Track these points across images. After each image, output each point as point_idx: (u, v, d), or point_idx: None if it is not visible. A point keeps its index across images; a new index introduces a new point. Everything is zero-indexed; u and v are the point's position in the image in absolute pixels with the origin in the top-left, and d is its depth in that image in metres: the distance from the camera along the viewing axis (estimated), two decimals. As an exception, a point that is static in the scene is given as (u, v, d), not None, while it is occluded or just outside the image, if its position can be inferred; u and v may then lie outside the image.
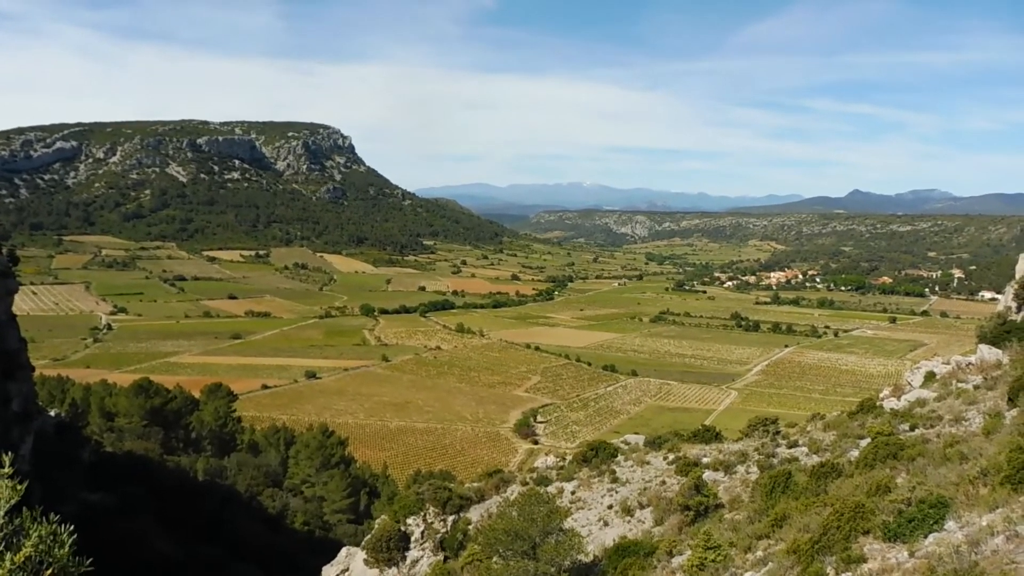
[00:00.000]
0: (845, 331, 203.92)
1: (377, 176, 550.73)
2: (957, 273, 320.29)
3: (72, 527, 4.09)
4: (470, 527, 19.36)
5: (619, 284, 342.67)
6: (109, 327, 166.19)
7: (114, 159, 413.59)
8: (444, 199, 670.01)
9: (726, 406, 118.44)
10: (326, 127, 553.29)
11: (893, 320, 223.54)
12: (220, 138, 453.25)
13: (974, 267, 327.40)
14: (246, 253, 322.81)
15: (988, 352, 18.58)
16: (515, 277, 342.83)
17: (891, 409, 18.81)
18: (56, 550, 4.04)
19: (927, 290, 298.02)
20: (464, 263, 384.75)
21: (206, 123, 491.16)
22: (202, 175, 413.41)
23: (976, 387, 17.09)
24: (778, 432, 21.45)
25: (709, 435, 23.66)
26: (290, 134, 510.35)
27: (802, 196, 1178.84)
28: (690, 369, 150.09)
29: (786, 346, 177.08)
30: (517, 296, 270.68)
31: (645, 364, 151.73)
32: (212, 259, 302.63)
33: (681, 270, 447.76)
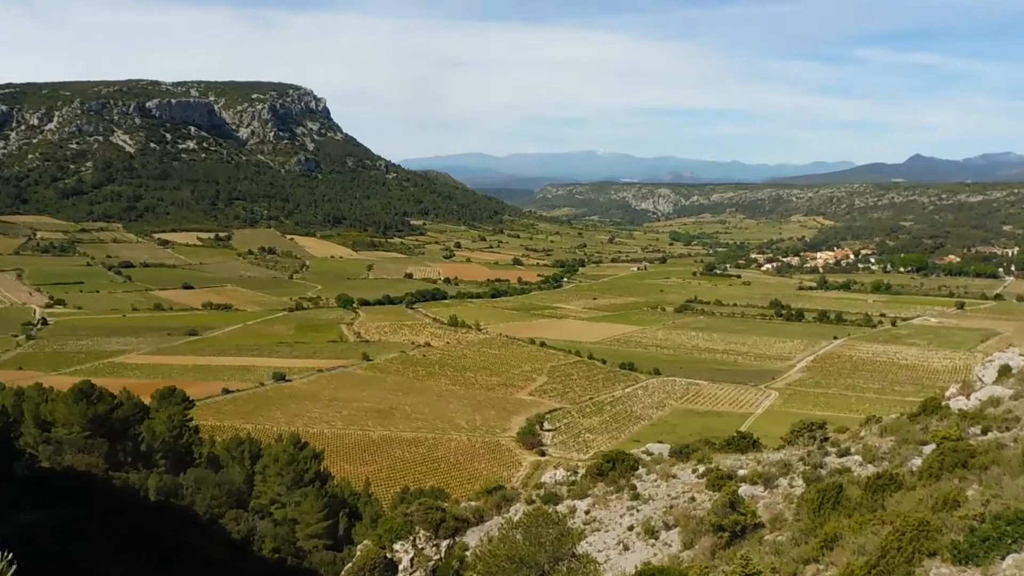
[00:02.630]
0: (904, 319, 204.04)
1: (356, 145, 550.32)
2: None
3: (10, 553, 4.04)
4: (467, 553, 19.37)
5: (639, 268, 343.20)
6: (44, 322, 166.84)
7: (50, 126, 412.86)
8: (434, 172, 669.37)
9: (765, 409, 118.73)
10: (296, 88, 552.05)
11: (961, 306, 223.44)
12: (173, 101, 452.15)
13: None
14: (204, 236, 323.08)
15: (1075, 342, 18.40)
16: (517, 262, 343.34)
17: (959, 410, 18.79)
18: (-8, 576, 3.00)
19: (1001, 270, 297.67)
20: (458, 246, 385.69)
21: (157, 84, 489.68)
22: (152, 144, 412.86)
23: (1061, 383, 17.06)
24: (826, 438, 21.38)
25: (745, 443, 23.62)
26: (255, 96, 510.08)
27: (853, 163, 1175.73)
28: (722, 366, 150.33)
29: (835, 338, 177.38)
30: (519, 284, 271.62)
31: (669, 361, 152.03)
32: (164, 243, 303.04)
33: (712, 251, 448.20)
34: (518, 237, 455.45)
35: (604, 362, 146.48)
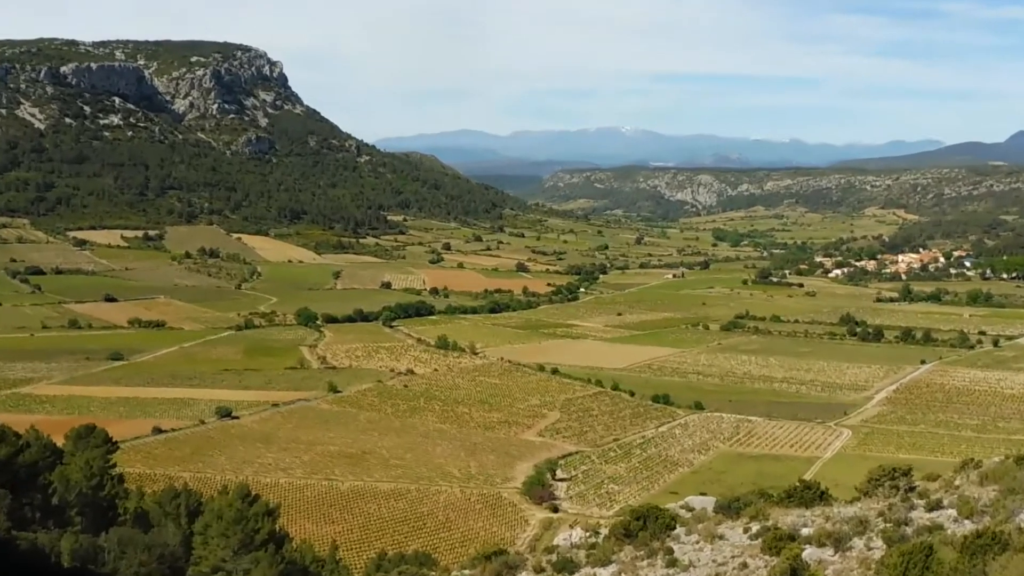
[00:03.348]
0: (1009, 338, 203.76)
1: (320, 121, 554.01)
2: None
3: None
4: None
5: (674, 276, 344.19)
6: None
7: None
8: (418, 154, 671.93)
9: (835, 451, 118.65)
10: (246, 49, 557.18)
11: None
12: (93, 66, 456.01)
13: None
14: (130, 234, 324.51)
15: None
16: (522, 267, 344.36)
17: (1080, 453, 18.81)
18: None
19: None
20: (447, 248, 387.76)
21: (73, 44, 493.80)
22: (67, 120, 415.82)
23: None
24: (912, 488, 21.34)
25: (811, 494, 23.61)
26: (194, 60, 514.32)
27: (942, 142, 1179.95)
28: (781, 398, 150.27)
29: (923, 362, 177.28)
30: (525, 295, 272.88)
31: (714, 392, 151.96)
32: (81, 243, 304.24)
33: (766, 254, 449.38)
34: (523, 236, 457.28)
35: (632, 394, 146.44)
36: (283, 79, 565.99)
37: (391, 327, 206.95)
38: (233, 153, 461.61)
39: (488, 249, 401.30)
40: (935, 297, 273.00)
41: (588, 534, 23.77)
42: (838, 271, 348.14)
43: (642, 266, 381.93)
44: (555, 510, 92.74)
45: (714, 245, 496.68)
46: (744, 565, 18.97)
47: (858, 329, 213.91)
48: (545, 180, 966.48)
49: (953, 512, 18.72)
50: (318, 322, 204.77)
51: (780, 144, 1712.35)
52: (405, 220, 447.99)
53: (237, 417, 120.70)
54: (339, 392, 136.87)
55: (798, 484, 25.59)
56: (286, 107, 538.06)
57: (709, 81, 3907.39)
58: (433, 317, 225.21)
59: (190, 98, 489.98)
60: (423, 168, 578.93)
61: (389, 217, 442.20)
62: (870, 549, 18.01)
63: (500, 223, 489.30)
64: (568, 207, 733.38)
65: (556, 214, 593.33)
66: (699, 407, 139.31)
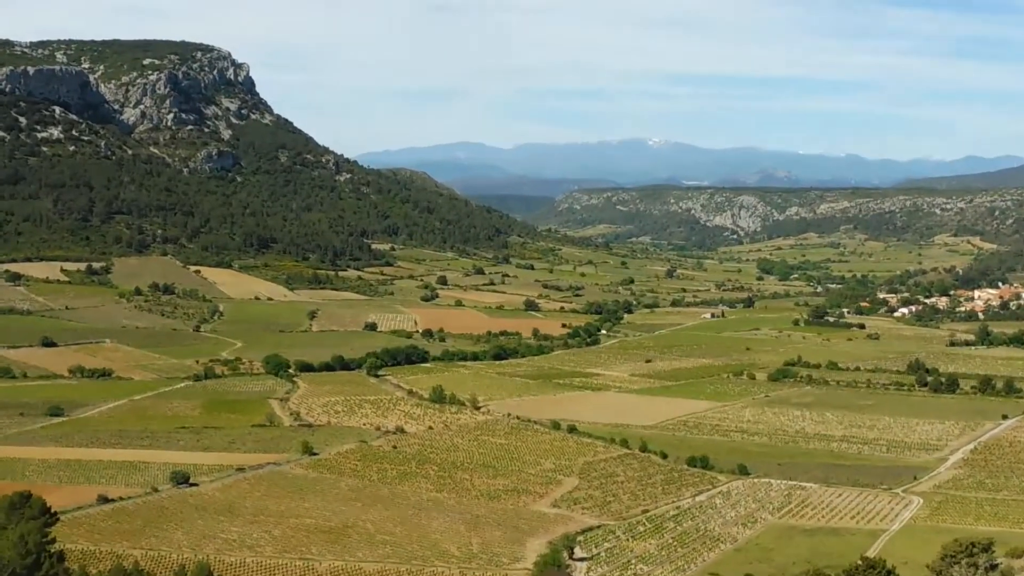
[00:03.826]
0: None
1: (293, 132, 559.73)
2: None
3: None
4: None
5: (713, 315, 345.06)
6: None
7: None
8: (408, 171, 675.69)
9: (904, 523, 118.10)
10: (207, 49, 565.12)
11: None
12: (30, 70, 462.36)
13: None
14: (72, 267, 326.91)
15: None
16: (531, 305, 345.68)
17: None
18: None
19: None
20: (443, 282, 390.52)
21: (8, 45, 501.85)
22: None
23: None
24: (994, 566, 21.62)
25: (876, 574, 23.87)
26: (147, 62, 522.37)
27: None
28: (840, 460, 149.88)
29: (1005, 417, 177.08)
30: (536, 338, 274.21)
31: (762, 454, 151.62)
32: (15, 277, 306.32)
33: (820, 288, 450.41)
34: (532, 268, 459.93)
35: (664, 456, 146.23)
36: (250, 83, 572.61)
37: (377, 376, 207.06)
38: (191, 171, 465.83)
39: (491, 283, 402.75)
40: (1018, 340, 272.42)
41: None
42: (904, 310, 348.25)
43: (674, 304, 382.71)
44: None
45: (759, 279, 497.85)
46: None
47: (929, 378, 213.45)
48: (558, 201, 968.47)
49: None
50: (290, 371, 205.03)
51: (835, 159, 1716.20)
52: (393, 249, 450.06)
53: (196, 484, 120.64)
54: (315, 454, 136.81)
55: (860, 563, 25.98)
56: (253, 116, 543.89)
57: (751, 84, 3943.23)
58: (427, 365, 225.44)
59: (142, 107, 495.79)
60: (414, 187, 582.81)
61: (374, 246, 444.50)
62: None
63: (505, 253, 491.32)
64: (586, 233, 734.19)
65: (571, 242, 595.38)
66: (743, 471, 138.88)
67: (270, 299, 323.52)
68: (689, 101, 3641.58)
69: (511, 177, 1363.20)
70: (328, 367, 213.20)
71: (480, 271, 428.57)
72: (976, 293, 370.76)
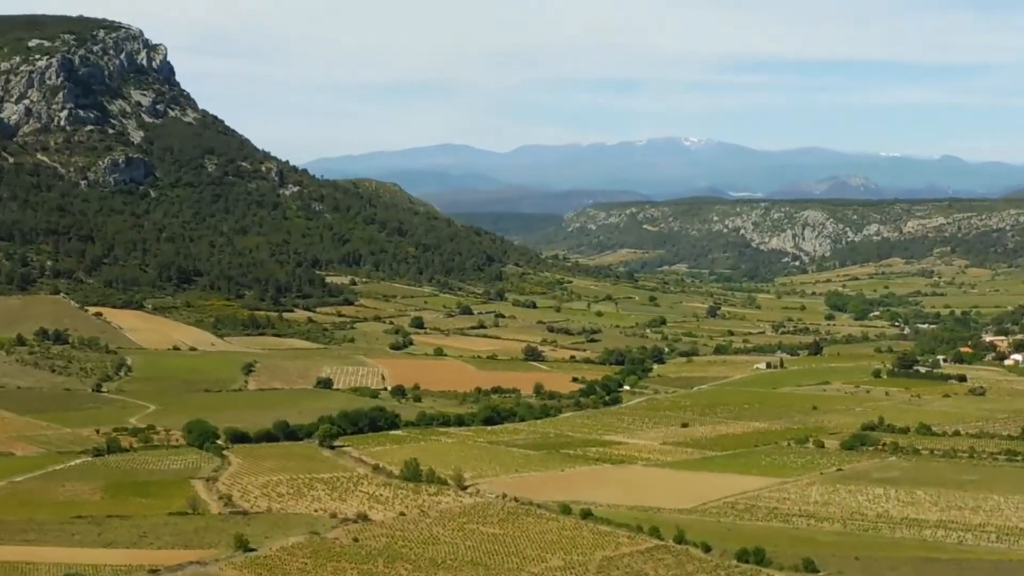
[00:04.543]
0: None
1: (225, 133, 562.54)
2: None
3: None
4: None
5: (769, 366, 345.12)
6: None
7: None
8: (373, 182, 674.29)
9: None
10: (113, 28, 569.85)
11: None
12: None
13: None
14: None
15: None
16: (534, 354, 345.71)
17: None
18: None
19: None
20: (420, 324, 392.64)
21: None
22: None
23: None
24: None
25: None
26: (34, 43, 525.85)
27: None
28: (936, 553, 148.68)
29: None
30: (539, 396, 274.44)
31: (834, 545, 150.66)
32: None
33: (908, 330, 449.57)
34: (533, 307, 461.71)
35: (707, 549, 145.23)
36: (168, 71, 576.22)
37: (333, 448, 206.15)
38: (91, 184, 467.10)
39: (481, 326, 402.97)
40: None
41: None
42: (1018, 356, 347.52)
43: (719, 351, 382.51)
44: None
45: (829, 318, 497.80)
46: None
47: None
48: (568, 219, 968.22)
49: None
50: (219, 442, 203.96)
51: (927, 163, 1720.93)
52: (354, 284, 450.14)
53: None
54: (253, 550, 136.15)
55: None
56: (172, 113, 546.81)
57: (816, 70, 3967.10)
58: (398, 432, 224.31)
59: (26, 102, 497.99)
60: (381, 203, 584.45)
61: (329, 279, 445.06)
62: None
63: (499, 287, 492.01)
64: (603, 261, 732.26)
65: (585, 272, 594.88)
66: (810, 568, 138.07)
67: (193, 349, 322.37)
68: (738, 91, 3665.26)
69: (507, 189, 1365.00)
70: (269, 436, 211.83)
71: (467, 311, 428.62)
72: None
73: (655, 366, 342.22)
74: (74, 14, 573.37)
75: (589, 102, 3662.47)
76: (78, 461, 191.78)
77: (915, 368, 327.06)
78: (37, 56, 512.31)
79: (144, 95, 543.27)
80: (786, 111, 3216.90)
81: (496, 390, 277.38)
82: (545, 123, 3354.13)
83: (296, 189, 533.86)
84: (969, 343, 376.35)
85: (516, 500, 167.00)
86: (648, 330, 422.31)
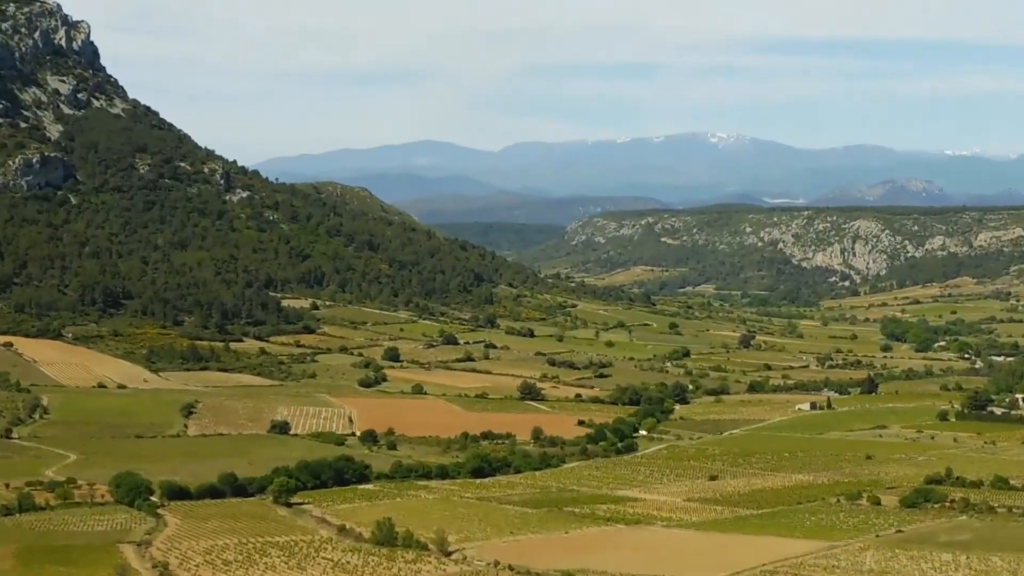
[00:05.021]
0: None
1: (160, 128, 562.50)
2: None
3: None
4: None
5: (813, 407, 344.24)
6: None
7: None
8: (339, 186, 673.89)
9: None
10: (26, 0, 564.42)
11: None
12: None
13: None
14: None
15: None
16: (531, 392, 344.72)
17: None
18: None
19: None
20: (395, 357, 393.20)
21: None
22: None
23: None
24: None
25: None
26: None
27: None
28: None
29: None
30: (538, 443, 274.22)
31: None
32: None
33: (980, 363, 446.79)
34: (531, 335, 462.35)
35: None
36: (92, 53, 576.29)
37: (290, 506, 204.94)
38: None
39: (469, 359, 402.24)
40: None
41: None
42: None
43: (753, 389, 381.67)
44: None
45: (885, 349, 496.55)
46: None
47: None
48: (571, 231, 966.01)
49: None
50: (154, 499, 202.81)
51: (1002, 163, 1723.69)
52: (316, 308, 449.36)
53: None
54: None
55: None
56: (97, 103, 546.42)
57: (869, 52, 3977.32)
58: (368, 486, 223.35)
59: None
60: (348, 211, 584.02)
61: (286, 302, 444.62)
62: None
63: (490, 311, 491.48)
64: (615, 280, 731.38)
65: (592, 294, 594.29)
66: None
67: (122, 387, 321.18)
68: (774, 77, 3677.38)
69: (499, 195, 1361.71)
70: (213, 492, 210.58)
71: (451, 340, 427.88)
72: None
73: (677, 407, 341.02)
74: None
75: (595, 91, 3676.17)
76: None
77: (989, 409, 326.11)
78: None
79: (63, 82, 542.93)
80: (832, 101, 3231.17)
81: (486, 435, 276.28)
82: (543, 117, 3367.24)
83: (245, 195, 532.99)
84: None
85: (511, 568, 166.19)
86: (668, 363, 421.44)
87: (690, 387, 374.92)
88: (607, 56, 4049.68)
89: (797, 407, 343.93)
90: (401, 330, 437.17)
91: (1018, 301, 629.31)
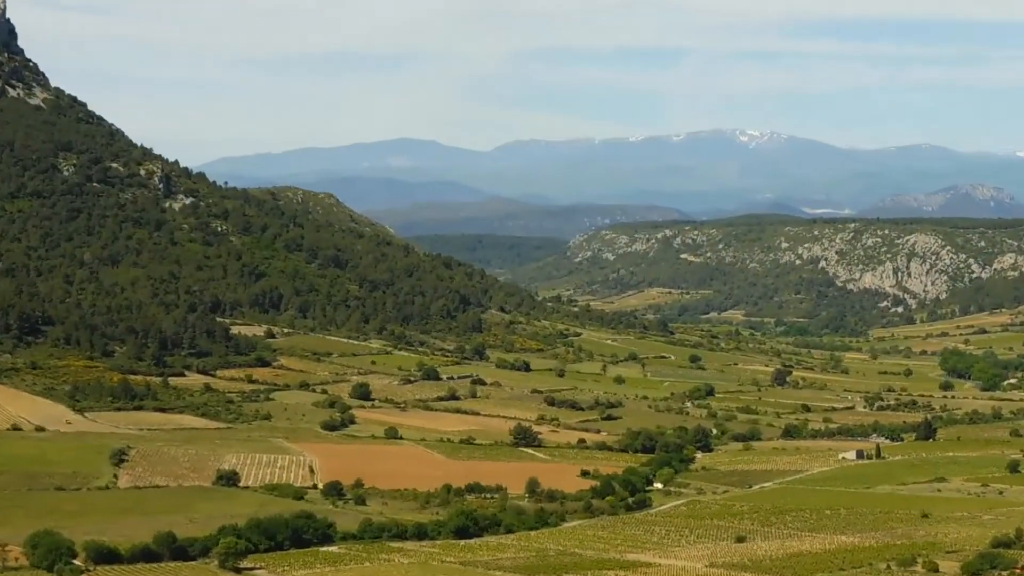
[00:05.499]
0: None
1: (88, 122, 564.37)
2: None
3: None
4: None
5: (860, 456, 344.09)
6: None
7: None
8: (300, 192, 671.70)
9: None
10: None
11: None
12: None
13: None
14: None
15: None
16: (525, 436, 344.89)
17: None
18: None
19: None
20: (366, 395, 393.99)
21: None
22: None
23: None
24: None
25: None
26: None
27: None
28: None
29: None
30: (535, 498, 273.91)
31: None
32: None
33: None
34: (526, 369, 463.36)
35: None
36: (7, 32, 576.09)
37: (238, 571, 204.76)
38: None
39: (453, 397, 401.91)
40: None
41: None
42: None
43: (789, 434, 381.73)
44: None
45: (946, 387, 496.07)
46: None
47: None
48: (575, 246, 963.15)
49: None
50: (77, 562, 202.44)
51: None
52: (271, 336, 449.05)
53: None
54: None
55: None
56: (13, 92, 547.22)
57: (925, 35, 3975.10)
58: (332, 548, 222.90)
59: None
60: (312, 222, 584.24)
61: (236, 329, 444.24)
62: None
63: (479, 340, 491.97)
64: (626, 303, 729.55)
65: (600, 320, 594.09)
66: None
67: (41, 429, 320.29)
68: (814, 64, 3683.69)
69: (491, 203, 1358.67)
70: (148, 555, 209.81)
71: (432, 375, 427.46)
72: None
73: (698, 455, 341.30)
74: None
75: (604, 81, 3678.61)
76: None
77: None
78: None
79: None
80: (883, 93, 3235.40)
81: (472, 488, 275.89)
82: (543, 110, 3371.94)
83: (189, 201, 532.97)
84: None
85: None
86: (689, 403, 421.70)
87: (714, 432, 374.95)
88: (619, 40, 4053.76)
89: (841, 456, 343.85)
90: (373, 363, 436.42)
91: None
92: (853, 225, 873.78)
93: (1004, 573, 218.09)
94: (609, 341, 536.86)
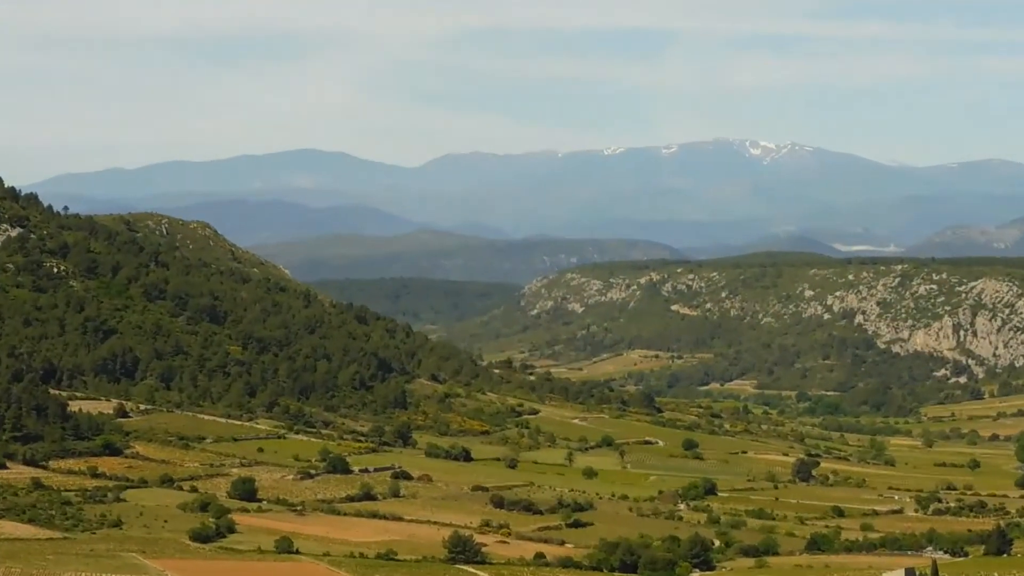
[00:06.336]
0: None
1: None
2: None
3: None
4: None
5: (912, 574, 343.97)
6: None
7: None
8: (166, 220, 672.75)
9: None
10: None
11: None
12: None
13: None
14: None
15: None
16: (464, 548, 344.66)
17: None
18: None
19: None
20: (250, 494, 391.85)
21: None
22: None
23: None
24: None
25: None
26: None
27: None
28: None
29: None
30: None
31: None
32: None
33: None
34: (467, 460, 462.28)
35: None
36: None
37: None
38: None
39: (369, 496, 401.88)
40: None
41: None
42: None
43: (815, 546, 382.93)
44: None
45: (1023, 485, 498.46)
46: None
47: None
48: (531, 292, 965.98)
49: None
50: None
51: None
52: (124, 413, 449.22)
53: None
54: None
55: None
56: None
57: (987, 15, 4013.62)
58: None
59: None
60: (179, 261, 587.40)
61: (77, 405, 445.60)
62: None
63: (404, 419, 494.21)
64: (599, 370, 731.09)
65: (564, 392, 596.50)
66: None
67: None
68: (845, 52, 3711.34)
69: (421, 235, 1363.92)
70: None
71: (341, 466, 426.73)
72: None
73: (695, 573, 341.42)
74: None
75: (569, 74, 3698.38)
76: None
77: None
78: None
79: None
80: (936, 93, 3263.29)
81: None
82: (489, 113, 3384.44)
83: (15, 233, 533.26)
84: None
85: None
86: (683, 505, 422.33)
87: (716, 543, 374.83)
88: (587, 19, 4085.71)
89: (884, 575, 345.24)
90: (260, 450, 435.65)
91: None
92: (900, 267, 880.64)
93: None
94: (576, 421, 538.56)
